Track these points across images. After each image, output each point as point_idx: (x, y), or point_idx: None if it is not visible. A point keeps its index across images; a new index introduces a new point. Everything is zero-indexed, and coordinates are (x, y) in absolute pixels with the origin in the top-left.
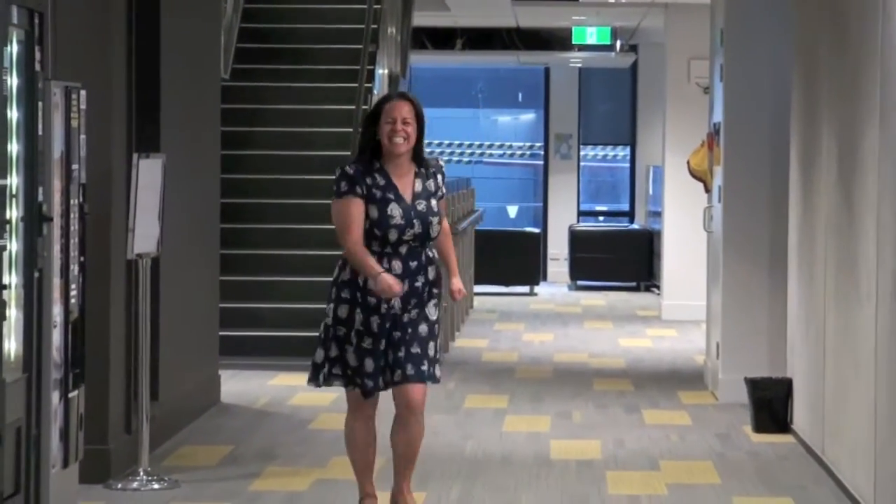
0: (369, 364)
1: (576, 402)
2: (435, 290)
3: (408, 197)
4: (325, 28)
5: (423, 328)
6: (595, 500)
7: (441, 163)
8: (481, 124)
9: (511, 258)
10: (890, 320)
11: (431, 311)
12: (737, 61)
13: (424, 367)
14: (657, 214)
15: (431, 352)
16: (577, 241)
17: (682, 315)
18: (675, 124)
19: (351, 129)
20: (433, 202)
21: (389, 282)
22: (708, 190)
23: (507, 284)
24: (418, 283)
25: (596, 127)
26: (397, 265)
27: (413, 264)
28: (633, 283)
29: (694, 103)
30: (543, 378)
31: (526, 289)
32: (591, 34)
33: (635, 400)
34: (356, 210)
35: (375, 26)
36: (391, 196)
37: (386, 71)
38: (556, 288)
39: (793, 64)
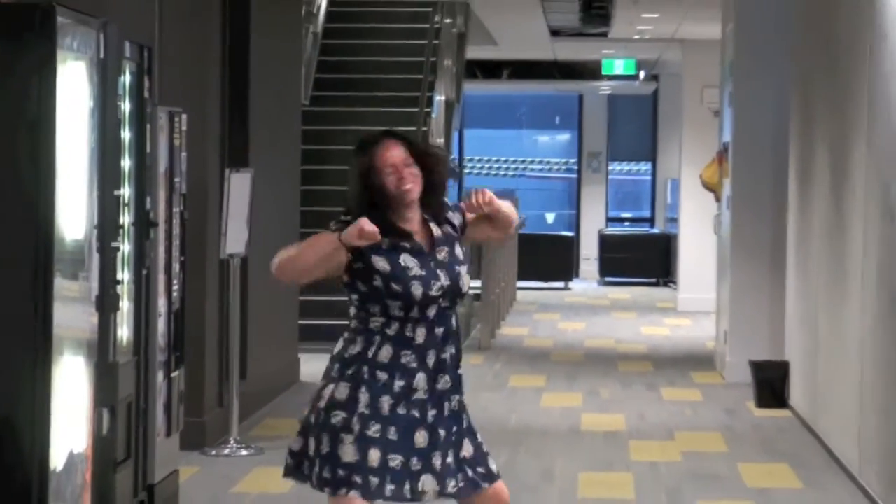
0: (373, 456)
1: (604, 382)
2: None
3: (425, 245)
4: (391, 61)
5: (465, 420)
6: (620, 465)
7: (452, 204)
8: (524, 143)
9: (549, 258)
10: (874, 312)
11: (463, 399)
12: (743, 89)
13: (482, 469)
14: (674, 220)
15: (485, 446)
16: (606, 243)
17: (695, 307)
18: (689, 143)
19: None
20: (457, 249)
21: (361, 223)
22: (718, 199)
23: (545, 280)
24: (446, 356)
25: (622, 145)
26: (421, 333)
27: (440, 331)
28: (654, 280)
29: (706, 125)
30: (576, 361)
31: (561, 284)
32: (619, 66)
33: (654, 379)
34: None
35: (434, 59)
36: (405, 244)
37: (443, 97)
38: (587, 283)
39: (791, 90)
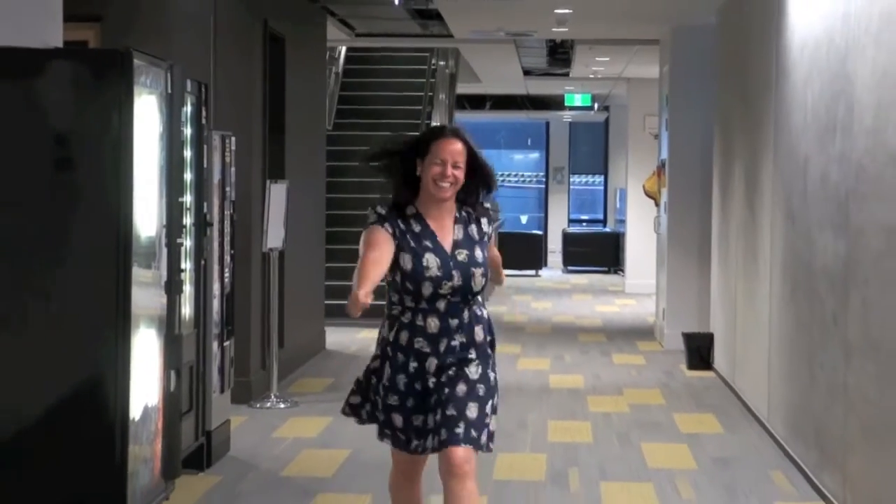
0: (397, 419)
1: (567, 349)
2: (481, 351)
3: (447, 245)
4: (397, 95)
5: (461, 388)
6: (580, 415)
7: (490, 207)
8: (503, 160)
9: (523, 250)
10: (779, 294)
11: (472, 371)
12: (676, 117)
13: (460, 430)
14: (622, 221)
15: (472, 413)
16: (568, 239)
17: (639, 289)
18: (634, 160)
19: None
20: (477, 251)
21: (352, 298)
22: (657, 204)
23: (519, 269)
24: (456, 343)
25: (580, 162)
26: (433, 323)
27: (454, 322)
28: (606, 268)
29: (647, 145)
30: (545, 333)
31: (533, 272)
32: (578, 99)
33: (607, 347)
34: (380, 237)
35: (431, 94)
36: (428, 244)
37: (438, 124)
38: (553, 271)
39: (715, 118)
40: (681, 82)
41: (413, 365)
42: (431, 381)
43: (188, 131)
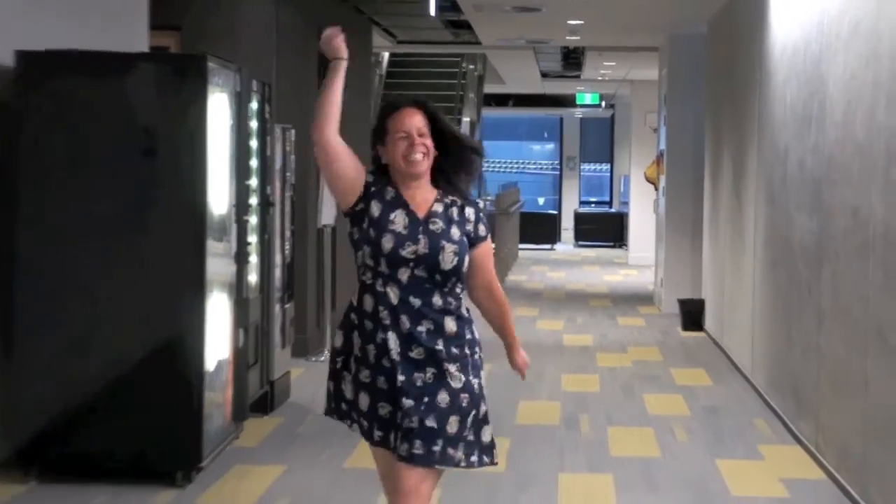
0: (363, 400)
1: (578, 312)
2: (456, 351)
3: (420, 212)
4: (432, 94)
5: (442, 397)
6: (590, 369)
7: (477, 201)
8: (523, 150)
9: (540, 228)
10: (761, 265)
11: (455, 379)
12: (673, 113)
13: (437, 448)
14: (626, 203)
15: (452, 429)
16: (579, 218)
17: (640, 262)
18: (636, 150)
19: None
20: (454, 230)
21: (335, 39)
22: (656, 189)
23: (537, 243)
24: (422, 330)
25: (590, 152)
26: (393, 293)
27: (416, 302)
28: (612, 243)
29: (648, 138)
30: (559, 298)
31: (549, 246)
32: (588, 98)
33: (613, 311)
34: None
35: (462, 93)
36: (400, 207)
37: (468, 119)
38: (566, 246)
39: (706, 114)
40: (677, 83)
41: (381, 336)
42: (400, 380)
43: (254, 124)
